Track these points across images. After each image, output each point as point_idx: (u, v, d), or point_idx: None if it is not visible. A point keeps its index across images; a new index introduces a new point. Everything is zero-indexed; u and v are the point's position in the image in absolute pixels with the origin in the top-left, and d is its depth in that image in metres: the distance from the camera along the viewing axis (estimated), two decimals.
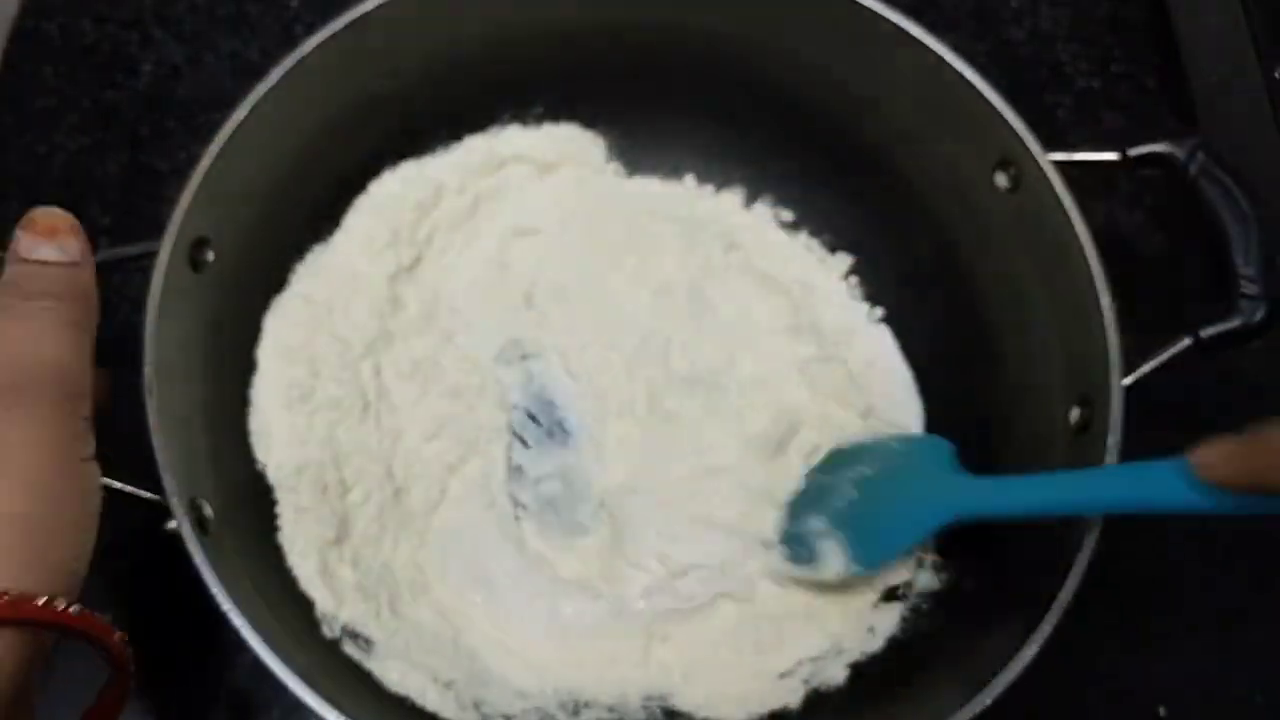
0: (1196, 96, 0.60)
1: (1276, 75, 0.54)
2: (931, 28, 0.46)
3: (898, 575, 0.48)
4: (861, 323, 0.54)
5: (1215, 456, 0.34)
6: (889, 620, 0.47)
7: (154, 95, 0.61)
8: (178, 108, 0.61)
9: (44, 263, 0.36)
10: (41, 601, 0.32)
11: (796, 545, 0.47)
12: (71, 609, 0.33)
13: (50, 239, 0.37)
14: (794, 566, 0.47)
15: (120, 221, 0.58)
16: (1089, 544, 0.39)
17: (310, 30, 0.46)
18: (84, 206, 0.58)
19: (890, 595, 0.48)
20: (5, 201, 0.58)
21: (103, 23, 0.63)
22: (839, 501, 0.47)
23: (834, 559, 0.46)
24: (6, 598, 0.32)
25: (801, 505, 0.48)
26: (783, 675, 0.46)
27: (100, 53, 0.62)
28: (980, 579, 0.45)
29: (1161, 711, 0.50)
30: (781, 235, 0.55)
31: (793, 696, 0.46)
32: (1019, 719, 0.50)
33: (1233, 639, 0.52)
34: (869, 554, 0.46)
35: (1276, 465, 0.32)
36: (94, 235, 0.58)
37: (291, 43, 0.46)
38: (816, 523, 0.47)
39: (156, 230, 0.42)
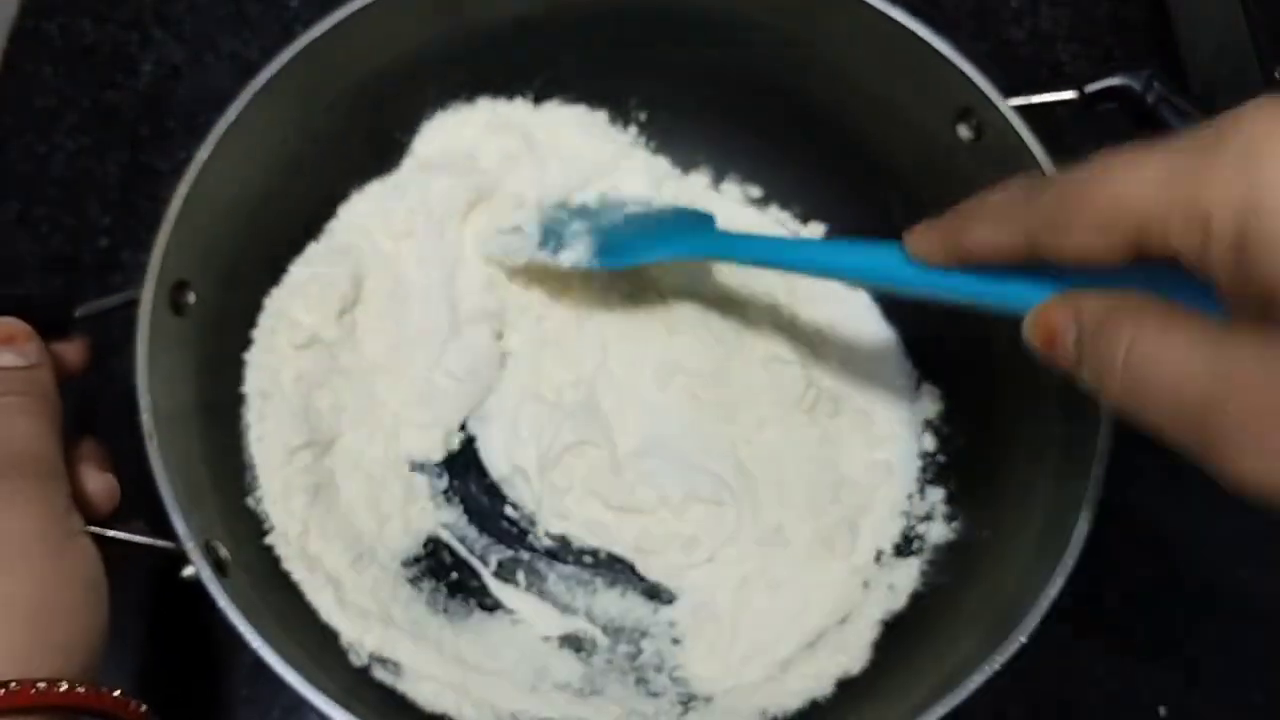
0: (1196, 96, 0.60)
1: (1277, 75, 0.54)
2: (932, 27, 0.46)
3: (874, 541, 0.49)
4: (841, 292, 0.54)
5: (919, 229, 0.35)
6: (908, 576, 0.47)
7: (154, 95, 0.61)
8: (178, 108, 0.61)
9: (4, 368, 0.38)
10: (43, 685, 0.32)
11: (549, 237, 0.50)
12: (79, 688, 0.33)
13: (8, 345, 0.38)
14: (537, 249, 0.50)
15: (120, 221, 0.58)
16: (1099, 471, 0.40)
17: (309, 29, 0.46)
18: (84, 206, 0.58)
19: (906, 550, 0.48)
20: (5, 201, 0.58)
21: (103, 23, 0.63)
22: (604, 222, 0.50)
23: (576, 251, 0.49)
24: (3, 691, 0.31)
25: (569, 215, 0.52)
26: (812, 643, 0.47)
27: (100, 53, 0.62)
28: (995, 527, 0.45)
29: (1162, 711, 0.50)
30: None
31: (823, 687, 0.45)
32: (1019, 718, 0.50)
33: (1233, 639, 0.52)
34: (611, 257, 0.49)
35: (967, 233, 0.33)
36: (94, 235, 0.59)
37: (291, 42, 0.46)
38: (578, 225, 0.50)
39: (155, 228, 0.42)
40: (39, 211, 0.58)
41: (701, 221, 0.50)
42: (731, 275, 0.54)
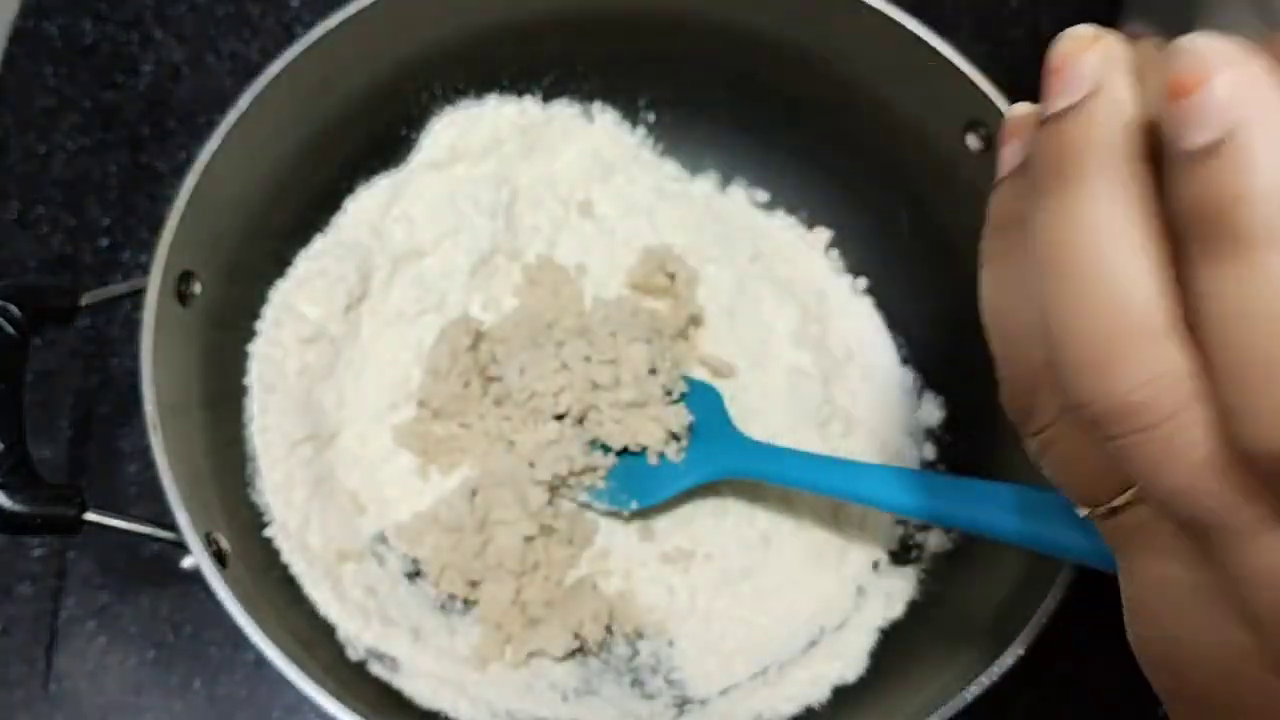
0: None
1: None
2: (931, 27, 0.46)
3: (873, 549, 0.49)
4: (853, 304, 0.54)
5: None
6: (906, 585, 0.48)
7: (154, 95, 0.61)
8: (178, 108, 0.61)
9: None
10: None
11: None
12: None
13: None
14: (586, 496, 0.48)
15: (120, 221, 0.58)
16: None
17: (320, 23, 0.46)
18: (84, 207, 0.58)
19: (904, 559, 0.48)
20: (5, 201, 0.58)
21: (103, 23, 0.63)
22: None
23: (601, 490, 0.48)
24: None
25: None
26: (808, 649, 0.47)
27: (100, 53, 0.62)
28: None
29: (1161, 712, 0.50)
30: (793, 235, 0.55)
31: (819, 693, 0.46)
32: (1019, 718, 0.50)
33: None
34: (642, 493, 0.48)
35: None
36: (94, 235, 0.59)
37: (292, 42, 0.46)
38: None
39: (155, 228, 0.43)
40: (39, 212, 0.58)
41: (714, 413, 0.49)
42: (766, 285, 0.54)
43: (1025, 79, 0.61)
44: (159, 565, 0.50)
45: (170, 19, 0.63)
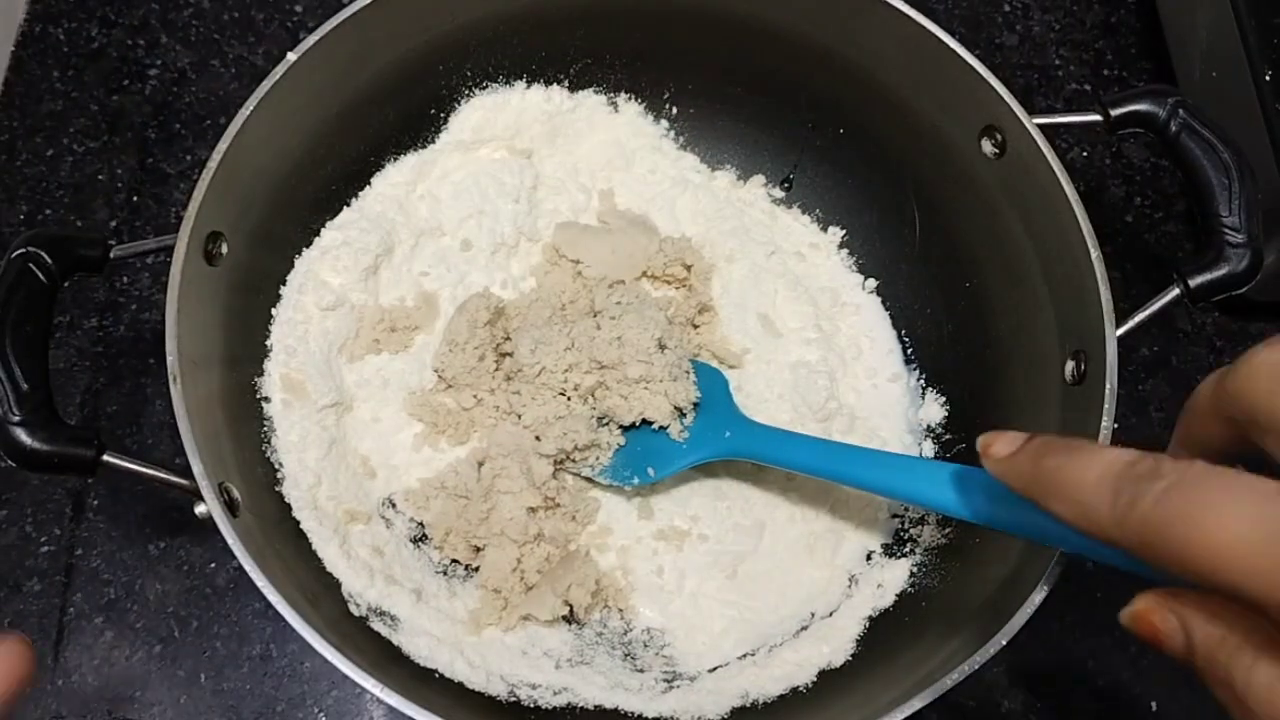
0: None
1: (1267, 79, 0.55)
2: None
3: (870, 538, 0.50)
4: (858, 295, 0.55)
5: (1003, 445, 0.31)
6: (898, 576, 0.48)
7: (161, 100, 0.62)
8: (184, 112, 0.61)
9: None
10: None
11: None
12: None
13: None
14: (590, 471, 0.49)
15: (127, 224, 0.58)
16: None
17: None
18: (91, 210, 0.59)
19: (898, 551, 0.49)
20: (13, 204, 0.59)
21: (110, 27, 0.64)
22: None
23: (604, 465, 0.49)
24: None
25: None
26: (798, 633, 0.48)
27: (107, 57, 0.63)
28: (985, 533, 0.45)
29: (1153, 706, 0.51)
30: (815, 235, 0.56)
31: (805, 675, 0.46)
32: (1012, 714, 0.51)
33: None
34: (644, 470, 0.49)
35: (1059, 487, 0.28)
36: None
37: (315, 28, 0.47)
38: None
39: (162, 231, 0.43)
40: (47, 214, 0.59)
41: (718, 394, 0.50)
42: (780, 280, 0.55)
43: (1017, 83, 0.62)
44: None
45: (176, 24, 0.64)
